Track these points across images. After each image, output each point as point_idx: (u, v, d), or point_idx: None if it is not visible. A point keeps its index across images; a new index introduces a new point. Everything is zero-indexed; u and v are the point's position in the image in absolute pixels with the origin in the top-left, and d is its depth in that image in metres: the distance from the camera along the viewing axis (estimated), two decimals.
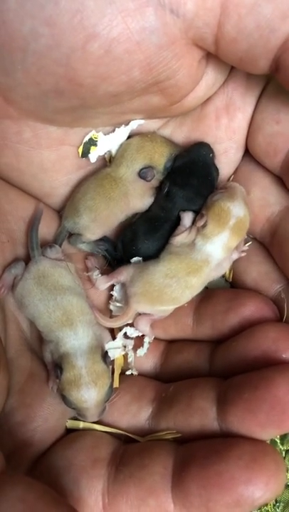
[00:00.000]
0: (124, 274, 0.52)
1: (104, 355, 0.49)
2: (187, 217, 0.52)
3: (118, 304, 0.54)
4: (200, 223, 0.50)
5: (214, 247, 0.50)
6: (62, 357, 0.47)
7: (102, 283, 0.53)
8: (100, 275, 0.54)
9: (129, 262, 0.53)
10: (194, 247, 0.50)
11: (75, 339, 0.48)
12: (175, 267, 0.50)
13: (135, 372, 0.53)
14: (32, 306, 0.49)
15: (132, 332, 0.53)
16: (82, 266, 0.56)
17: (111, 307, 0.55)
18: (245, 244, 0.54)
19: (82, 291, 0.52)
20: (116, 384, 0.51)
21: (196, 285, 0.50)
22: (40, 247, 0.52)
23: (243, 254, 0.53)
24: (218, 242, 0.49)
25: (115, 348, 0.53)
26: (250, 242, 0.54)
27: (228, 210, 0.49)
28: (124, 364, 0.53)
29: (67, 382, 0.46)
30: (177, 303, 0.51)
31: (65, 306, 0.49)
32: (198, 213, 0.52)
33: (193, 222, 0.52)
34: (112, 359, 0.52)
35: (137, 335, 0.53)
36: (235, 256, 0.52)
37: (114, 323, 0.52)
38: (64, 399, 0.47)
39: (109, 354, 0.52)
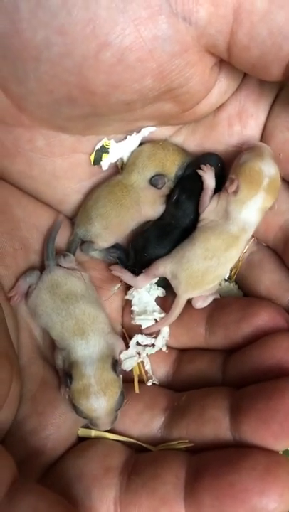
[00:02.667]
0: (161, 268, 0.51)
1: (115, 363, 0.49)
2: (209, 176, 0.50)
3: (143, 317, 0.54)
4: (232, 188, 0.47)
5: (250, 212, 0.48)
6: (72, 365, 0.47)
7: (142, 281, 0.53)
8: (119, 287, 0.55)
9: (141, 270, 0.53)
10: (228, 217, 0.49)
11: (86, 348, 0.48)
12: (212, 245, 0.49)
13: (156, 382, 0.53)
14: (45, 315, 0.50)
15: (143, 339, 0.53)
16: (95, 273, 0.56)
17: (137, 322, 0.54)
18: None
19: (96, 299, 0.52)
20: (136, 390, 0.51)
21: (236, 256, 0.50)
22: (55, 257, 0.52)
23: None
24: (253, 205, 0.48)
25: (131, 357, 0.53)
26: (251, 240, 0.54)
27: (259, 170, 0.47)
28: (140, 372, 0.53)
29: (77, 392, 0.46)
30: (222, 277, 0.51)
31: (78, 316, 0.49)
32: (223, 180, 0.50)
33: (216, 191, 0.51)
34: (130, 368, 0.52)
35: (148, 342, 0.53)
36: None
37: (170, 318, 0.52)
38: (74, 408, 0.47)
39: (126, 363, 0.52)
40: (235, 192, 0.48)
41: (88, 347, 0.48)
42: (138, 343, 0.54)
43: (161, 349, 0.53)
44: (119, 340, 0.52)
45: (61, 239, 0.55)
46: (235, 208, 0.48)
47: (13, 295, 0.50)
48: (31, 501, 0.33)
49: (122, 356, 0.52)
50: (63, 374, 0.49)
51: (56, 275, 0.51)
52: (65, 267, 0.52)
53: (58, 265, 0.52)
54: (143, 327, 0.54)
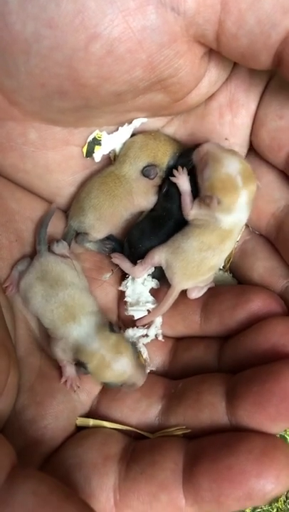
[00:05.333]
0: (156, 257, 0.51)
1: (111, 325, 0.49)
2: (182, 181, 0.51)
3: (135, 308, 0.54)
4: (214, 205, 0.47)
5: (240, 212, 0.48)
6: (78, 352, 0.48)
7: (139, 271, 0.53)
8: (111, 275, 0.55)
9: (136, 262, 0.53)
10: (219, 220, 0.48)
11: (80, 329, 0.48)
12: (207, 239, 0.49)
13: (153, 368, 0.53)
14: (34, 300, 0.50)
15: (134, 332, 0.54)
16: (90, 265, 0.56)
17: (130, 313, 0.54)
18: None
19: (86, 288, 0.52)
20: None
21: (230, 248, 0.50)
22: (46, 243, 0.53)
23: (258, 183, 0.50)
24: (240, 206, 0.47)
25: None
26: (244, 228, 0.54)
27: (227, 176, 0.46)
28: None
29: (98, 369, 0.46)
30: (216, 268, 0.51)
31: (67, 302, 0.49)
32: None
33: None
34: None
35: (140, 334, 0.54)
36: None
37: (163, 308, 0.52)
38: (107, 385, 0.47)
39: None
40: (219, 203, 0.47)
41: (82, 327, 0.48)
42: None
43: (157, 338, 0.54)
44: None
45: (56, 231, 0.56)
46: (224, 214, 0.48)
47: (8, 285, 0.51)
48: (31, 486, 0.33)
49: None
50: (67, 365, 0.49)
51: (46, 261, 0.51)
52: (56, 254, 0.52)
53: (51, 252, 0.52)
54: (135, 318, 0.54)
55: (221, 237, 0.49)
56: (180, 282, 0.51)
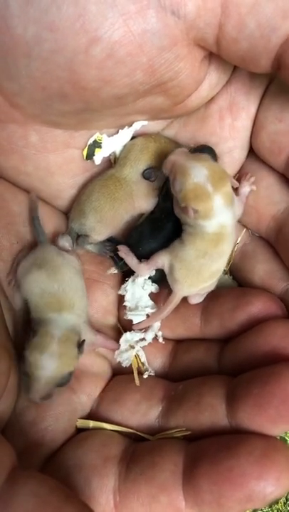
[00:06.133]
0: (160, 261, 0.51)
1: (80, 344, 0.48)
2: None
3: (135, 312, 0.54)
4: (192, 215, 0.47)
5: (220, 215, 0.47)
6: (41, 323, 0.48)
7: (144, 270, 0.53)
8: (116, 271, 0.56)
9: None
10: (204, 226, 0.48)
11: (59, 319, 0.49)
12: (200, 245, 0.49)
13: (152, 373, 0.53)
14: (28, 286, 0.50)
15: (132, 336, 0.54)
16: (91, 267, 0.57)
17: (129, 317, 0.54)
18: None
19: (81, 287, 0.52)
20: (137, 383, 0.51)
21: (229, 249, 0.50)
22: (45, 233, 0.53)
23: (254, 188, 0.52)
24: (218, 210, 0.47)
25: (126, 352, 0.53)
26: (244, 230, 0.54)
27: (196, 185, 0.46)
28: (138, 364, 0.54)
29: (35, 345, 0.46)
30: (218, 274, 0.51)
31: (60, 296, 0.49)
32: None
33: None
34: (128, 363, 0.53)
35: (137, 339, 0.54)
36: (247, 190, 0.52)
37: (162, 314, 0.52)
38: (23, 360, 0.46)
39: (123, 358, 0.52)
40: (196, 212, 0.47)
41: (61, 319, 0.49)
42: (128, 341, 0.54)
43: (157, 340, 0.54)
44: (91, 333, 0.52)
45: (57, 234, 0.55)
46: (205, 221, 0.48)
47: (11, 279, 0.51)
48: (32, 487, 0.34)
49: (117, 355, 0.53)
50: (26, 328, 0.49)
51: (48, 251, 0.51)
52: (58, 247, 0.53)
53: (54, 244, 0.53)
54: (134, 322, 0.54)
55: (213, 241, 0.49)
56: (181, 289, 0.51)
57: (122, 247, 0.54)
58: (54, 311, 0.49)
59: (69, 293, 0.50)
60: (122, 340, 0.54)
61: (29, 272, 0.50)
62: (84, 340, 0.49)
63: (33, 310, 0.50)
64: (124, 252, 0.54)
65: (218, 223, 0.48)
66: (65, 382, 0.47)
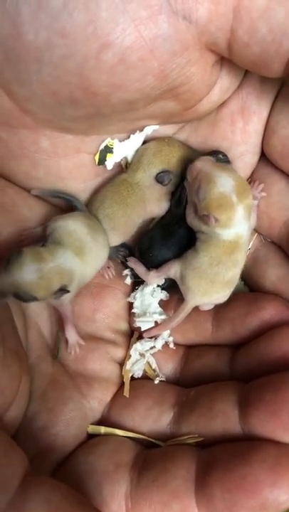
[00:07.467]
0: (172, 270, 0.51)
1: (62, 290, 0.48)
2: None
3: (143, 319, 0.54)
4: (212, 223, 0.47)
5: (238, 226, 0.47)
6: (55, 251, 0.48)
7: (154, 278, 0.53)
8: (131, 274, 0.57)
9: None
10: (221, 234, 0.48)
11: (70, 257, 0.49)
12: (214, 253, 0.48)
13: (163, 378, 0.53)
14: (63, 222, 0.51)
15: (142, 346, 0.54)
16: (102, 271, 0.56)
17: (138, 324, 0.54)
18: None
19: (102, 261, 0.53)
20: (126, 394, 0.51)
21: (242, 259, 0.50)
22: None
23: (264, 194, 0.52)
24: (238, 220, 0.47)
25: (137, 362, 0.53)
26: (255, 235, 0.54)
27: (221, 194, 0.46)
28: (149, 371, 0.54)
29: (36, 252, 0.46)
30: (232, 284, 0.50)
31: (86, 243, 0.50)
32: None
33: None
34: (140, 373, 0.53)
35: (148, 347, 0.54)
36: (257, 198, 0.52)
37: (173, 323, 0.51)
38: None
39: (134, 368, 0.52)
40: (216, 222, 0.47)
41: (71, 256, 0.49)
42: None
43: (168, 346, 0.54)
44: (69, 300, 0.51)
45: None
46: (223, 230, 0.48)
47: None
48: (45, 493, 0.33)
49: (129, 366, 0.53)
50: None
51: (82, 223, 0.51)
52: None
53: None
54: (142, 329, 0.54)
55: (228, 249, 0.48)
56: (194, 298, 0.50)
57: (131, 258, 0.54)
58: (73, 252, 0.49)
59: (91, 252, 0.50)
60: (132, 349, 0.54)
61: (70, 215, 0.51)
62: (68, 291, 0.48)
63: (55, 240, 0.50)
64: (133, 262, 0.54)
65: (235, 233, 0.48)
66: (20, 298, 0.46)
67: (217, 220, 0.47)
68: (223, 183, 0.46)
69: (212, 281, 0.49)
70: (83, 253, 0.49)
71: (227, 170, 0.48)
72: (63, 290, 0.48)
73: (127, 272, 0.57)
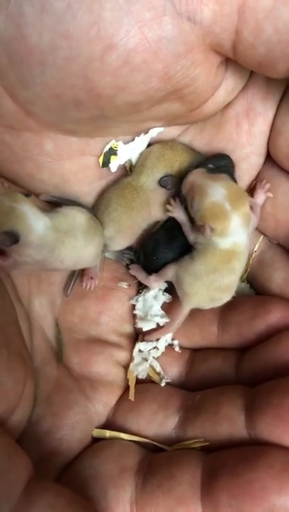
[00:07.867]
0: (170, 274, 0.52)
1: None
2: (178, 213, 0.51)
3: (144, 320, 0.54)
4: (207, 233, 0.47)
5: (236, 234, 0.48)
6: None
7: (154, 282, 0.53)
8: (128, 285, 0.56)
9: (150, 273, 0.54)
10: (218, 243, 0.48)
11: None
12: (211, 261, 0.49)
13: (169, 380, 0.53)
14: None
15: (145, 346, 0.54)
16: (107, 274, 0.57)
17: (139, 326, 0.55)
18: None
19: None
20: (131, 397, 0.50)
21: (240, 267, 0.50)
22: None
23: (270, 195, 0.51)
24: (234, 229, 0.47)
25: (140, 364, 0.53)
26: (261, 238, 0.54)
27: (214, 204, 0.47)
28: (153, 374, 0.53)
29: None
30: (231, 289, 0.50)
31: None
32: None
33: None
34: (143, 375, 0.53)
35: (151, 347, 0.54)
36: (262, 199, 0.51)
37: (172, 327, 0.52)
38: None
39: (138, 370, 0.52)
40: (212, 231, 0.47)
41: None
42: (140, 351, 0.54)
43: (174, 349, 0.54)
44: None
45: None
46: (220, 239, 0.48)
47: None
48: (49, 499, 0.33)
49: (132, 367, 0.53)
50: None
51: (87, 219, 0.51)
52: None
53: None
54: (144, 330, 0.54)
55: (225, 258, 0.48)
56: (189, 303, 0.50)
57: (132, 266, 0.55)
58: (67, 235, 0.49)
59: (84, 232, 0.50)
60: (135, 350, 0.54)
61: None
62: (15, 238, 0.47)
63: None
64: (134, 269, 0.54)
65: (232, 241, 0.48)
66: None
67: (212, 229, 0.47)
68: (215, 193, 0.47)
69: (208, 287, 0.49)
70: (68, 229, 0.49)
71: (218, 179, 0.48)
72: (8, 234, 0.45)
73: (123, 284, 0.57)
